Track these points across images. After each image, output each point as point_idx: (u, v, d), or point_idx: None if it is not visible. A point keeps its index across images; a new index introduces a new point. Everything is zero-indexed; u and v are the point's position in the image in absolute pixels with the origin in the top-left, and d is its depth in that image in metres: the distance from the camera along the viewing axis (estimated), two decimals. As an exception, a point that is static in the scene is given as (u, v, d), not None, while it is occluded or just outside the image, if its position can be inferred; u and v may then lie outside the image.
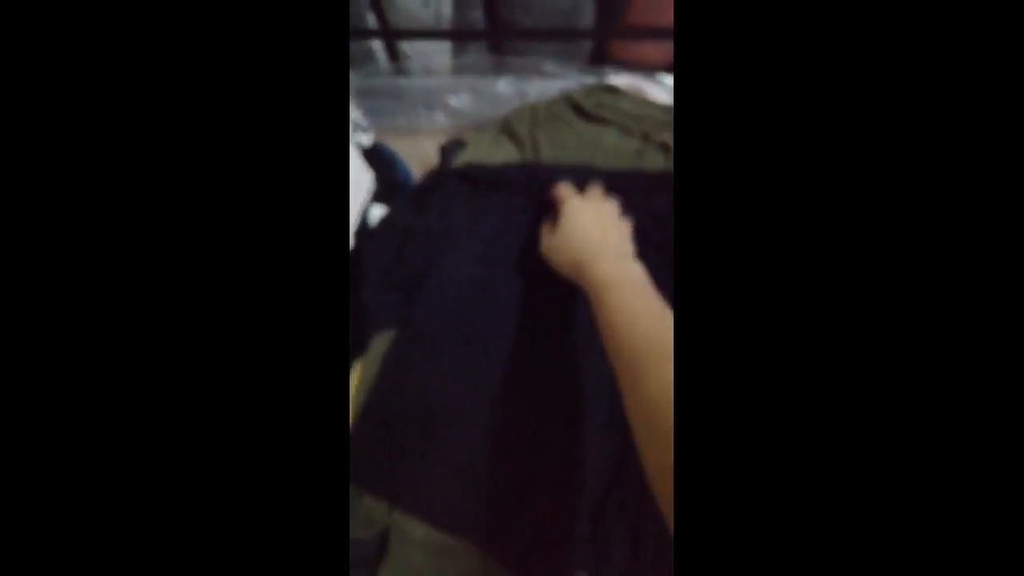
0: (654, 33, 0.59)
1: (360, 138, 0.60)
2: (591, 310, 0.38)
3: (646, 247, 0.44)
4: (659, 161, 0.53)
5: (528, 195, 0.50)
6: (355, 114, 0.60)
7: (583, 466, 0.43)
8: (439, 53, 0.62)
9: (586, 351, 0.46)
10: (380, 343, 0.50)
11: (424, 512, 0.41)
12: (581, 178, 0.49)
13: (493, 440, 0.44)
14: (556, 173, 0.49)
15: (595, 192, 0.48)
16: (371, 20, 0.59)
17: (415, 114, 0.63)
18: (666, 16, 0.58)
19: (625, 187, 0.48)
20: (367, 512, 0.43)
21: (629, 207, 0.47)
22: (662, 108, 0.57)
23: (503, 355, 0.46)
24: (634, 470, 0.42)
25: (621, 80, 0.60)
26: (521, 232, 0.50)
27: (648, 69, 0.62)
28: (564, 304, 0.47)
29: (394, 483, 0.43)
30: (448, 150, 0.55)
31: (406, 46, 0.62)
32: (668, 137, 0.54)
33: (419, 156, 0.61)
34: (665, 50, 0.62)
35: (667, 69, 0.61)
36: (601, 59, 0.63)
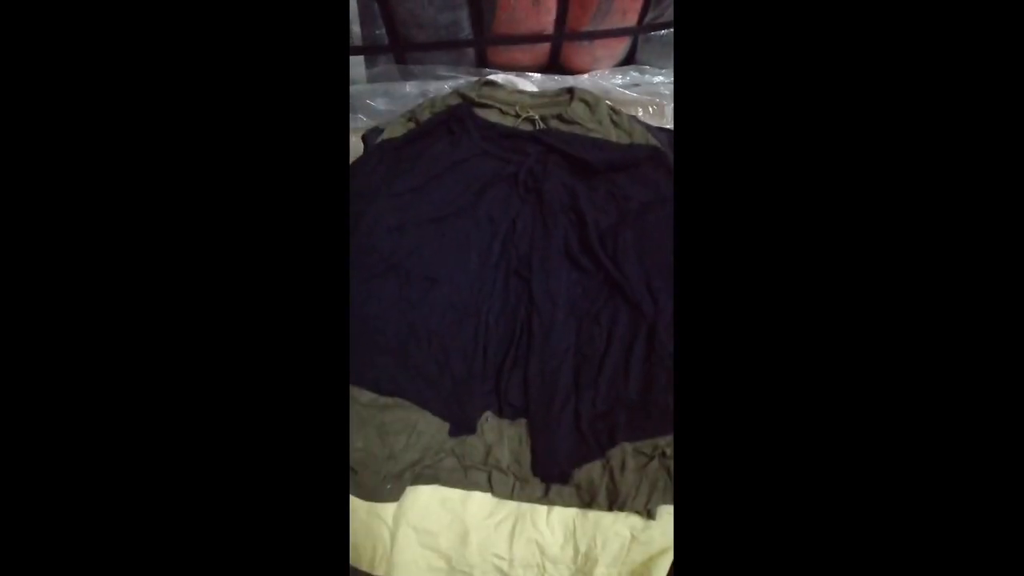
0: (519, 40, 0.79)
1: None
2: None
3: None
4: (529, 127, 0.72)
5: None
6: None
7: (486, 339, 0.58)
8: (355, 66, 0.79)
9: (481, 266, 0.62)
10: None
11: (366, 383, 0.55)
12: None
13: (416, 329, 0.58)
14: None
15: None
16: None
17: (341, 116, 0.80)
18: (530, 26, 0.77)
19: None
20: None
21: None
22: (530, 93, 0.76)
23: (417, 275, 0.61)
24: (527, 336, 0.58)
25: (499, 77, 0.79)
26: (429, 187, 0.67)
27: (519, 69, 0.81)
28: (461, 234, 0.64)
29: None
30: (369, 136, 0.71)
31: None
32: (534, 112, 0.73)
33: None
34: (531, 54, 0.82)
35: (532, 68, 0.81)
36: (483, 63, 0.82)
